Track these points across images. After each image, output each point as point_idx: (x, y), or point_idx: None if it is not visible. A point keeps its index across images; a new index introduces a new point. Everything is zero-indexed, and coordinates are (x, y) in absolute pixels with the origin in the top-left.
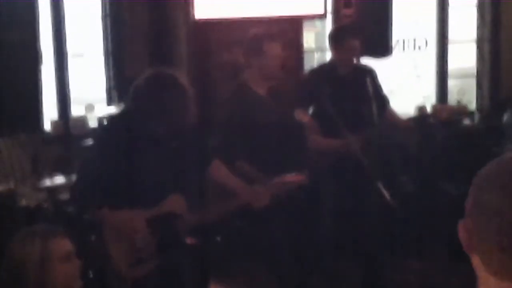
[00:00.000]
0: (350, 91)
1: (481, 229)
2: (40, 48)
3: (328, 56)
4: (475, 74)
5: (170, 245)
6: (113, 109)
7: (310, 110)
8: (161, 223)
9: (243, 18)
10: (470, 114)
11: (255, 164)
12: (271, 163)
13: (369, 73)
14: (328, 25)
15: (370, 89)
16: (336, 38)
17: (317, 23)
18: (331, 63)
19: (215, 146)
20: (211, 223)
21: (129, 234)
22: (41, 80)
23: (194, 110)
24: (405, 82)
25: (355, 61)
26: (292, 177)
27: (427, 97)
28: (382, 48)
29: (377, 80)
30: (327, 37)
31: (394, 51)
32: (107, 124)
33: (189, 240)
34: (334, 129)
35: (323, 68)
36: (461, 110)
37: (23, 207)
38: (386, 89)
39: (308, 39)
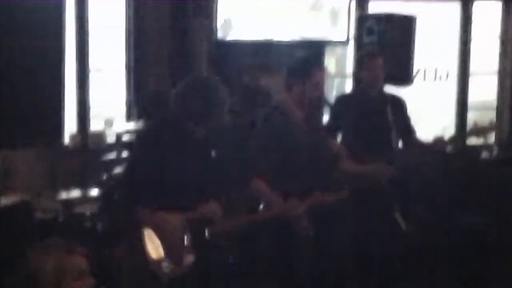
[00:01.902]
0: (376, 118)
1: None
2: (64, 60)
3: (348, 82)
4: (495, 106)
5: (205, 248)
6: (132, 125)
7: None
8: (198, 227)
9: (265, 41)
10: (489, 146)
11: (285, 185)
12: (301, 185)
13: (399, 102)
14: (350, 51)
15: (398, 117)
16: (362, 58)
17: (339, 48)
18: (360, 88)
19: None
20: (242, 231)
21: (166, 235)
22: (64, 93)
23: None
24: (424, 112)
25: (381, 81)
26: (328, 195)
27: (446, 128)
28: (403, 76)
29: (406, 111)
30: (355, 62)
31: (415, 80)
32: (150, 127)
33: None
34: (358, 155)
35: (351, 94)
36: None
37: (38, 220)
38: None
39: (329, 64)
